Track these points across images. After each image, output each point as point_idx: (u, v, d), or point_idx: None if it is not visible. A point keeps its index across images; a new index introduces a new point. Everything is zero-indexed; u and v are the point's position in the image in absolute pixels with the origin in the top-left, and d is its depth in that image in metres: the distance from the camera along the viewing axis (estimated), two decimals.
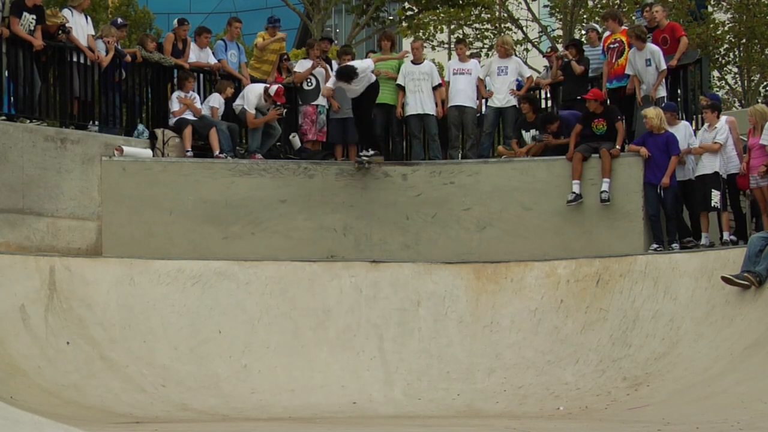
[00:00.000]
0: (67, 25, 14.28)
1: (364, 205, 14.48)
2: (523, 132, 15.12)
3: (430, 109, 15.37)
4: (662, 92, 14.56)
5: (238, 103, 15.27)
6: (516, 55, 17.39)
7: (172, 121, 14.97)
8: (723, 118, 13.87)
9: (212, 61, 15.84)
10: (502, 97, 15.39)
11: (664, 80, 14.60)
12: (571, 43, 16.38)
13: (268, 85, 15.24)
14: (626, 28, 15.24)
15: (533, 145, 14.86)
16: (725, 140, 13.63)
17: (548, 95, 16.53)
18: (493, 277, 13.57)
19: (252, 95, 15.11)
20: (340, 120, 15.48)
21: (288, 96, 15.85)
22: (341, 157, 15.49)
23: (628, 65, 14.64)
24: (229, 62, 16.03)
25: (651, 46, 14.57)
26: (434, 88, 15.41)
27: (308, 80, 15.77)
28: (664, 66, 14.45)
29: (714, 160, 13.64)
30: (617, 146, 14.16)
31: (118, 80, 14.91)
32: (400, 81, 15.39)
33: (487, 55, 29.04)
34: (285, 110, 15.25)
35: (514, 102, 15.40)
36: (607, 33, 15.74)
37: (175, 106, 15.00)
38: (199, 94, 15.43)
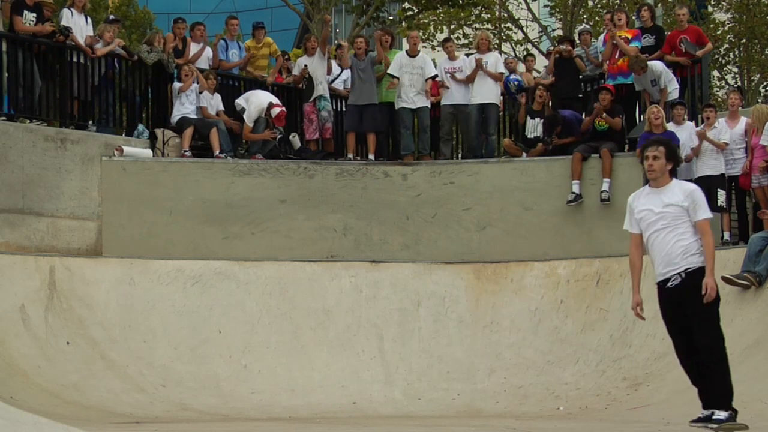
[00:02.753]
0: (66, 25, 14.28)
1: (364, 205, 14.47)
2: (528, 119, 15.06)
3: (423, 101, 15.23)
4: (675, 94, 14.50)
5: (239, 102, 15.22)
6: (499, 51, 17.40)
7: (174, 119, 14.92)
8: (743, 119, 13.79)
9: (209, 54, 15.77)
10: (485, 92, 15.27)
11: (677, 78, 14.57)
12: (565, 39, 16.34)
13: (273, 102, 15.07)
14: (637, 28, 15.25)
15: (541, 149, 14.82)
16: (729, 138, 13.59)
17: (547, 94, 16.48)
18: (493, 277, 13.58)
19: (254, 108, 14.92)
20: (358, 107, 15.32)
21: (288, 96, 15.85)
22: (353, 149, 15.35)
23: (636, 83, 14.60)
24: (230, 61, 16.05)
25: (653, 66, 14.46)
26: (426, 80, 15.27)
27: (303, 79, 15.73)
28: (674, 86, 14.41)
29: (718, 160, 13.59)
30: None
31: (111, 76, 14.84)
32: (393, 71, 15.11)
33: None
34: (280, 135, 15.15)
35: (496, 99, 15.32)
36: (604, 34, 15.73)
37: (176, 88, 14.94)
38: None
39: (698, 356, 7.97)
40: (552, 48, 17.66)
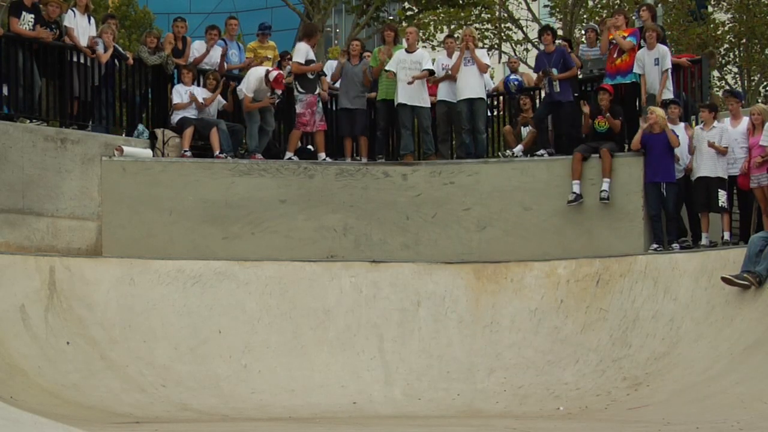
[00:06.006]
0: (68, 25, 14.27)
1: (364, 205, 14.48)
2: (522, 128, 15.21)
3: (423, 101, 15.17)
4: (669, 95, 14.51)
5: (240, 87, 15.26)
6: (499, 50, 17.34)
7: (175, 119, 14.93)
8: (745, 118, 13.77)
9: (218, 59, 15.77)
10: (472, 88, 15.20)
11: (671, 82, 14.56)
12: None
13: (270, 69, 15.13)
14: (636, 27, 15.25)
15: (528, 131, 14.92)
16: (731, 138, 13.59)
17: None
18: (493, 277, 13.58)
19: (253, 77, 15.02)
20: (349, 110, 15.34)
21: (288, 96, 15.84)
22: (350, 151, 15.34)
23: (637, 64, 14.59)
24: (230, 62, 16.04)
25: (661, 47, 14.54)
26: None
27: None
28: (667, 65, 14.43)
29: (719, 161, 13.58)
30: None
31: (112, 72, 14.82)
32: (391, 67, 15.03)
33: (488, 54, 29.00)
34: (279, 99, 15.14)
35: (482, 94, 15.25)
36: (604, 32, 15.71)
37: (176, 98, 14.97)
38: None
39: None
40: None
